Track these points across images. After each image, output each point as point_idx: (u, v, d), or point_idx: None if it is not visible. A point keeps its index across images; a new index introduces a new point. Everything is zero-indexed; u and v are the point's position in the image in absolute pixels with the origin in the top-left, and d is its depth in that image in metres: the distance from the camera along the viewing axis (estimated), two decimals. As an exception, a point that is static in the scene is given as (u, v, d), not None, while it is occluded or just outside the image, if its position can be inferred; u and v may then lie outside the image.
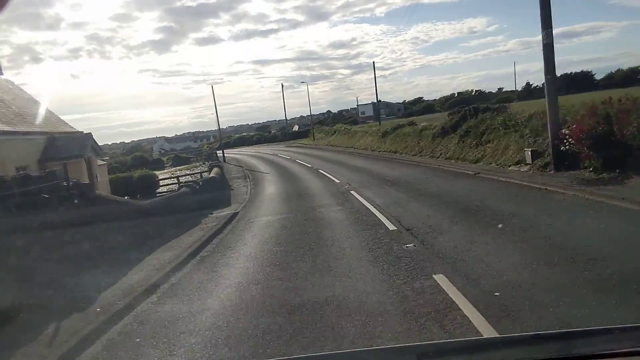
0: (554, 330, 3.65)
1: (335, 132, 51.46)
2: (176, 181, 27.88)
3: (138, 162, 44.12)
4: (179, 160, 52.17)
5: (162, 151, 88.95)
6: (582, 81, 66.91)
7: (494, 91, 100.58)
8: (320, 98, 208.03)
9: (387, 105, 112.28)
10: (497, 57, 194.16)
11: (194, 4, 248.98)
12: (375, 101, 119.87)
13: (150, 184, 27.16)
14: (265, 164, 36.36)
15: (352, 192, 16.39)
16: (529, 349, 1.88)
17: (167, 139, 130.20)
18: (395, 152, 28.64)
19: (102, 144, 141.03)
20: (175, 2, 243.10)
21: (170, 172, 41.18)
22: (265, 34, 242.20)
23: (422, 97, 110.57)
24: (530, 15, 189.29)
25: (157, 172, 42.37)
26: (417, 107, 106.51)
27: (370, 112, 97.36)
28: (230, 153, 59.11)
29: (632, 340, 1.77)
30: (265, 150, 55.97)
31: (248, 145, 77.69)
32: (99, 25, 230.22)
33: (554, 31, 13.65)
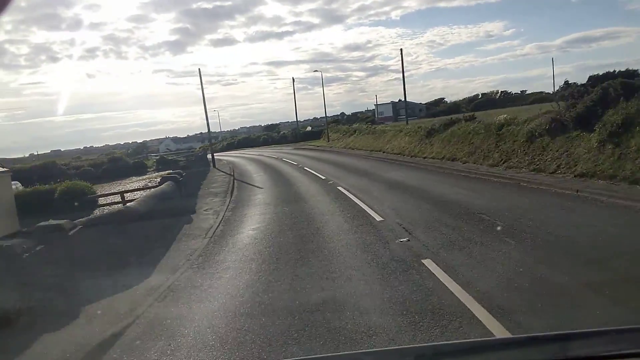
0: (551, 332, 2.47)
1: (355, 131, 41.74)
2: (120, 199, 18.57)
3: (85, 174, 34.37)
4: (165, 163, 42.91)
5: (168, 151, 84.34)
6: None
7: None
8: (335, 100, 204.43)
9: (408, 105, 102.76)
10: (514, 61, 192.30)
11: (210, 5, 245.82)
12: (395, 101, 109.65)
13: (84, 200, 17.86)
14: (263, 171, 27.06)
15: (438, 270, 6.75)
16: (526, 350, 1.89)
17: (176, 139, 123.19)
18: (453, 160, 18.96)
19: (114, 143, 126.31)
20: (191, 4, 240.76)
21: (143, 178, 31.97)
22: (280, 36, 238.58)
23: (443, 98, 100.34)
24: (548, 19, 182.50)
25: (124, 180, 33.31)
26: (441, 107, 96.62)
27: (389, 112, 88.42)
28: (227, 155, 50.33)
29: (628, 342, 1.75)
30: (269, 152, 46.56)
31: (254, 146, 68.70)
32: (116, 26, 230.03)
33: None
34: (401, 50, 44.77)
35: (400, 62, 44.51)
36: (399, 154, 25.41)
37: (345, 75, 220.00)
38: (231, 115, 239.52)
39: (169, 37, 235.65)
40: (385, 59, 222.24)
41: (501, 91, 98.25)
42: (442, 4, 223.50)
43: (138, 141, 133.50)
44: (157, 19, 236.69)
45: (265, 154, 44.40)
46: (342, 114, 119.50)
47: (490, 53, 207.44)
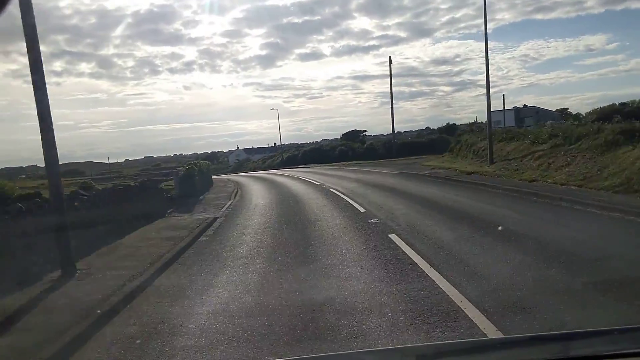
0: (553, 331, 3.31)
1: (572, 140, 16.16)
2: None
3: None
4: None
5: (237, 161, 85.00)
6: None
7: None
8: (418, 115, 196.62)
9: (538, 111, 74.53)
10: (615, 77, 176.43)
11: (299, 20, 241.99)
12: (518, 107, 78.99)
13: None
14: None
15: None
16: (528, 350, 1.89)
17: (248, 150, 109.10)
18: None
19: (202, 152, 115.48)
20: (282, 19, 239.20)
21: None
22: (366, 50, 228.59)
23: (567, 108, 71.07)
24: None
25: None
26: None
27: (510, 120, 64.22)
28: (259, 178, 31.17)
29: (631, 341, 1.76)
30: (342, 180, 22.45)
31: (325, 162, 46.13)
32: (212, 41, 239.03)
33: None
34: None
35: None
36: None
37: (431, 90, 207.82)
38: (315, 127, 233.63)
39: (259, 51, 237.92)
40: (474, 74, 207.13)
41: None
42: (538, 16, 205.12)
43: (224, 150, 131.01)
44: (249, 34, 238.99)
45: (332, 184, 20.36)
46: (427, 128, 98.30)
47: (589, 68, 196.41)
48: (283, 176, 29.59)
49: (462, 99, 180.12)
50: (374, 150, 48.83)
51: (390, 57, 45.08)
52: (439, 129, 65.95)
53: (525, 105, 79.96)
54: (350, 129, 76.00)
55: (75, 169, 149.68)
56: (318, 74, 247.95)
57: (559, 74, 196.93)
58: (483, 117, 63.27)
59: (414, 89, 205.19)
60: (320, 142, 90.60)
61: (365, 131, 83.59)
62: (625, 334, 1.88)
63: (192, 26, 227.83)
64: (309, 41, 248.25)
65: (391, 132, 45.42)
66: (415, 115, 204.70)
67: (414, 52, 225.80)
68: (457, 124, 66.37)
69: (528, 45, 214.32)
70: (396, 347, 3.70)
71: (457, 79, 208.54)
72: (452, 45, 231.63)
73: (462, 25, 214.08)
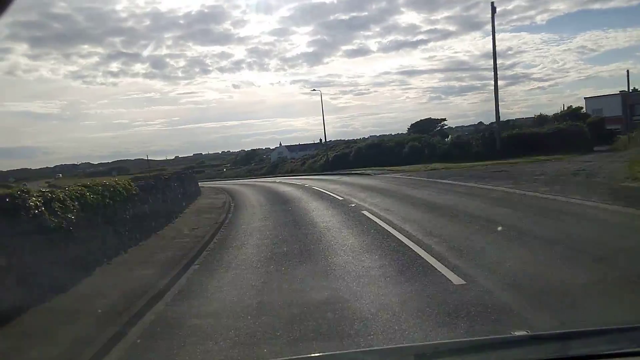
0: (552, 331, 2.99)
1: None
2: None
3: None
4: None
5: (280, 157, 78.36)
6: None
7: None
8: (469, 110, 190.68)
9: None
10: None
11: (346, 17, 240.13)
12: (625, 91, 52.26)
13: None
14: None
15: None
16: (527, 349, 1.89)
17: (291, 147, 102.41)
18: None
19: (248, 149, 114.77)
20: (329, 16, 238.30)
21: None
22: (414, 45, 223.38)
23: None
24: None
25: None
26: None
27: (616, 109, 45.65)
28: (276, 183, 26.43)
29: (629, 340, 1.77)
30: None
31: (387, 163, 32.94)
32: (260, 39, 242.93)
33: None
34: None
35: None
36: None
37: (482, 84, 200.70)
38: (362, 124, 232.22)
39: (306, 49, 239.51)
40: (527, 67, 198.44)
41: None
42: (596, 6, 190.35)
43: (271, 147, 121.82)
44: (297, 31, 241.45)
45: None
46: (480, 123, 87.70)
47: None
48: (329, 205, 15.13)
49: (515, 93, 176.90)
50: (464, 147, 34.43)
51: (493, 3, 32.12)
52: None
53: (635, 89, 55.13)
54: (399, 128, 65.67)
55: (121, 166, 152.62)
56: (365, 70, 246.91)
57: (619, 65, 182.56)
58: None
59: (464, 84, 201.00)
60: (367, 137, 77.38)
61: (444, 120, 64.96)
62: (623, 334, 1.91)
63: (241, 25, 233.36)
64: (356, 37, 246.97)
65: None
66: (466, 110, 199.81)
67: (464, 46, 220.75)
68: (512, 118, 54.53)
69: (585, 37, 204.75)
70: (395, 346, 3.71)
71: (509, 72, 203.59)
72: (504, 37, 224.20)
73: (515, 17, 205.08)
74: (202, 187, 27.44)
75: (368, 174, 28.79)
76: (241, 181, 43.93)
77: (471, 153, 31.92)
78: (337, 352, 3.78)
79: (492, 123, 38.47)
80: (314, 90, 78.37)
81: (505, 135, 32.91)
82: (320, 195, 18.01)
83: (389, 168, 30.51)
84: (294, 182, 28.66)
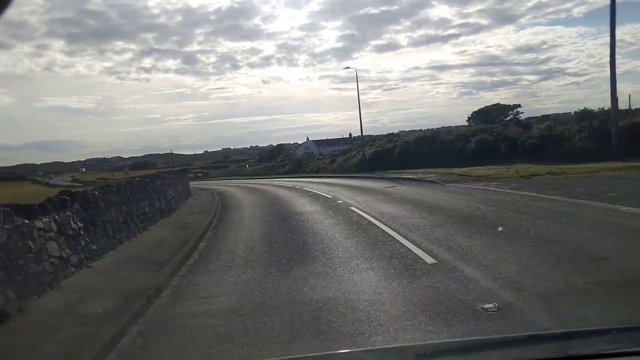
0: (552, 330, 3.12)
1: None
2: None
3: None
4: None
5: (306, 152, 74.04)
6: None
7: None
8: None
9: None
10: None
11: (376, 11, 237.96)
12: None
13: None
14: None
15: None
16: (527, 349, 1.86)
17: (319, 142, 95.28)
18: None
19: (276, 143, 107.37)
20: (358, 10, 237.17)
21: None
22: (445, 39, 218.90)
23: None
24: None
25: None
26: None
27: None
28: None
29: (630, 340, 1.77)
30: None
31: (444, 163, 26.12)
32: (290, 35, 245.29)
33: None
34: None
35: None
36: None
37: (514, 79, 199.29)
38: (391, 119, 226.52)
39: (335, 44, 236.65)
40: (562, 61, 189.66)
41: None
42: None
43: (299, 142, 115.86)
44: (326, 26, 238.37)
45: None
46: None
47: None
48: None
49: (549, 88, 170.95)
50: (558, 142, 25.13)
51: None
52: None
53: None
54: (428, 124, 58.03)
55: (148, 161, 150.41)
56: (394, 65, 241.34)
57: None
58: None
59: (495, 79, 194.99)
60: (397, 133, 70.43)
61: (519, 106, 54.44)
62: (624, 333, 1.89)
63: (271, 21, 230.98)
64: (386, 32, 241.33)
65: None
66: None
67: (496, 40, 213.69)
68: (548, 114, 47.58)
69: (624, 30, 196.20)
70: (395, 346, 3.68)
71: (543, 67, 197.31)
72: (538, 31, 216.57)
73: (550, 10, 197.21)
74: (209, 188, 22.70)
75: (431, 181, 20.06)
76: (252, 182, 37.70)
77: (573, 150, 23.60)
78: (337, 351, 3.61)
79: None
80: (348, 67, 75.13)
81: (624, 124, 23.01)
82: (385, 254, 7.66)
83: (451, 170, 22.98)
84: (317, 189, 21.18)
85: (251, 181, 41.74)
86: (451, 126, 57.30)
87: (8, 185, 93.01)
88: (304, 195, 19.18)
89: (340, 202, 15.44)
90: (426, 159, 29.18)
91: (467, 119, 54.19)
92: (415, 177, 22.72)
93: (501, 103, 54.19)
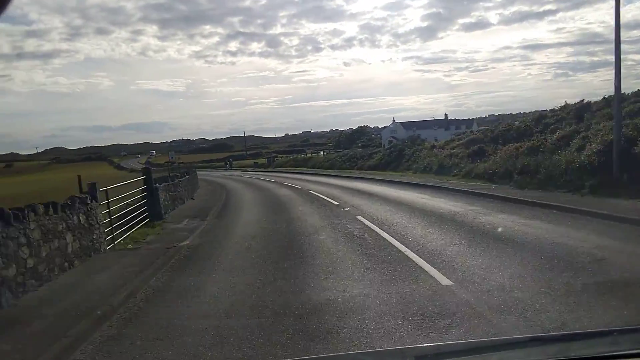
0: (553, 332, 3.20)
1: None
2: None
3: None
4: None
5: (392, 140, 60.35)
6: None
7: None
8: (600, 88, 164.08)
9: None
10: None
11: None
12: None
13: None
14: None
15: None
16: (528, 351, 1.88)
17: (407, 124, 79.24)
18: None
19: (356, 127, 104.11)
20: None
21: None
22: (540, 15, 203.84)
23: None
24: None
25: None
26: None
27: None
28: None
29: (631, 342, 1.76)
30: None
31: None
32: (372, 15, 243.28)
33: None
34: None
35: None
36: None
37: None
38: (476, 103, 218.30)
39: (420, 23, 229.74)
40: None
41: None
42: None
43: (380, 126, 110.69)
44: (411, 5, 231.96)
45: None
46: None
47: None
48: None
49: None
50: None
51: None
52: None
53: None
54: (517, 107, 47.84)
55: (224, 144, 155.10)
56: (483, 44, 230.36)
57: None
58: None
59: (595, 59, 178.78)
60: (485, 117, 51.70)
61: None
62: (625, 335, 1.90)
63: (354, 1, 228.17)
64: (475, 9, 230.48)
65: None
66: (596, 88, 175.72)
67: (598, 16, 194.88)
68: None
69: None
70: (396, 347, 3.68)
71: None
72: None
73: None
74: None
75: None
76: (316, 188, 21.78)
77: None
78: (337, 353, 3.80)
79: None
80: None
81: None
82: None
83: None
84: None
85: (317, 179, 29.74)
86: (546, 109, 41.94)
87: (88, 165, 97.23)
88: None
89: None
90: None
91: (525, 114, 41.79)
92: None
93: (543, 108, 38.92)
